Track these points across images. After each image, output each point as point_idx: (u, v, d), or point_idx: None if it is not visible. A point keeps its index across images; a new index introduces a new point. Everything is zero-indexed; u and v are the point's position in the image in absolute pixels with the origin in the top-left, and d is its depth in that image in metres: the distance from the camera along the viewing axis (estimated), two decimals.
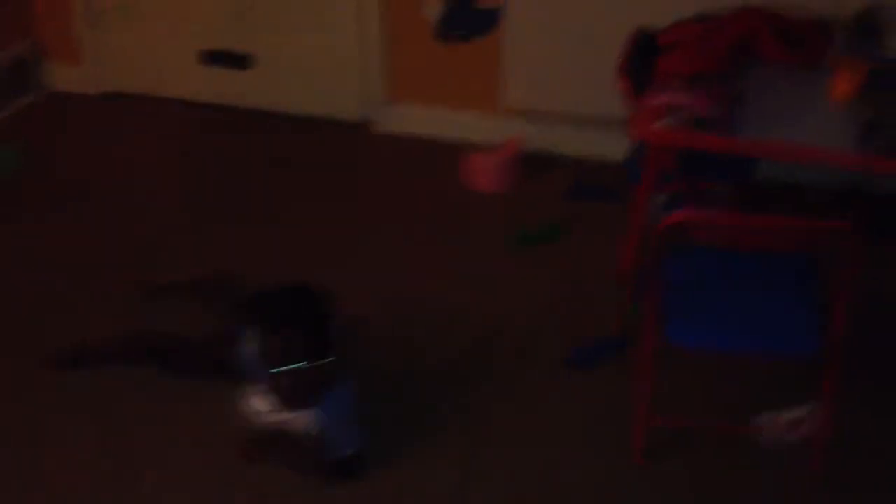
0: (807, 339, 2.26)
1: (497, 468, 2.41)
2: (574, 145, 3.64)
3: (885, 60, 2.67)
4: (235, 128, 3.93)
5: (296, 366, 2.19)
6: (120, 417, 2.55)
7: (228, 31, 3.90)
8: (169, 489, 2.37)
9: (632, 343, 2.65)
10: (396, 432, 2.51)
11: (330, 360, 2.23)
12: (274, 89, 3.96)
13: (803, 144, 2.45)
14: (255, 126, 3.92)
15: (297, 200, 3.46)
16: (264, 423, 2.35)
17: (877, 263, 2.71)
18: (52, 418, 2.55)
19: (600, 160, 3.53)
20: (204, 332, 2.59)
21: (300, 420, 2.31)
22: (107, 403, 2.59)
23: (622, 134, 3.29)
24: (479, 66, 3.65)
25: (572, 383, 2.67)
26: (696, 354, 2.44)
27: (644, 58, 2.79)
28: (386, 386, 2.60)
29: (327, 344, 2.24)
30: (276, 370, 2.21)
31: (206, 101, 4.03)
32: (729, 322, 2.30)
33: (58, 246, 3.23)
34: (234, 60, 3.94)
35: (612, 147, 3.42)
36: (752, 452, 2.45)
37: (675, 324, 2.29)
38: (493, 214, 3.40)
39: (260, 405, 2.36)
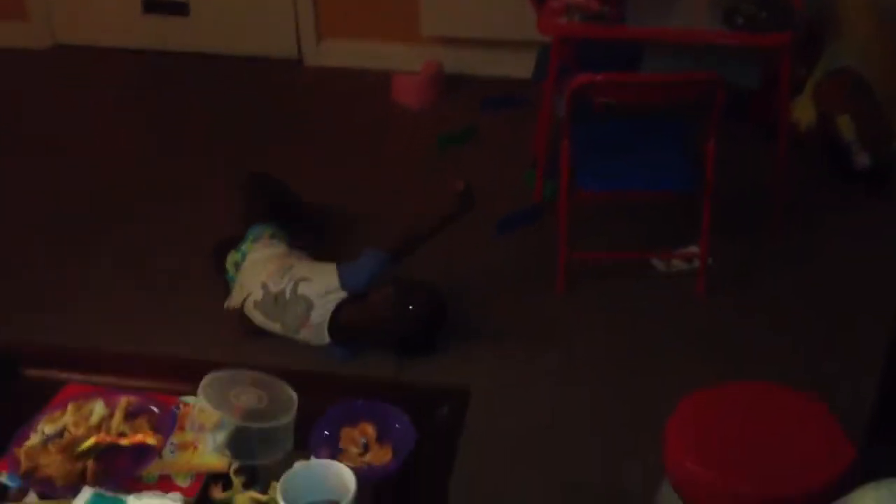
0: (686, 179, 2.84)
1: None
2: (486, 66, 4.17)
3: None
4: (179, 71, 4.32)
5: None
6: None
7: None
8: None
9: (548, 210, 3.20)
10: None
11: None
12: (213, 33, 4.36)
13: (679, 28, 3.02)
14: (197, 68, 4.32)
15: (242, 130, 3.88)
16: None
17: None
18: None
19: (510, 77, 4.07)
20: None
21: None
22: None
23: (525, 53, 3.84)
24: (398, 1, 4.15)
25: (503, 242, 3.21)
26: (603, 204, 3.00)
27: None
28: None
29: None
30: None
31: (149, 48, 4.42)
32: (625, 169, 2.87)
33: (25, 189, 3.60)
34: (174, 7, 4.34)
35: (520, 66, 3.97)
36: (651, 279, 3.03)
37: (583, 174, 2.84)
38: (418, 125, 3.91)
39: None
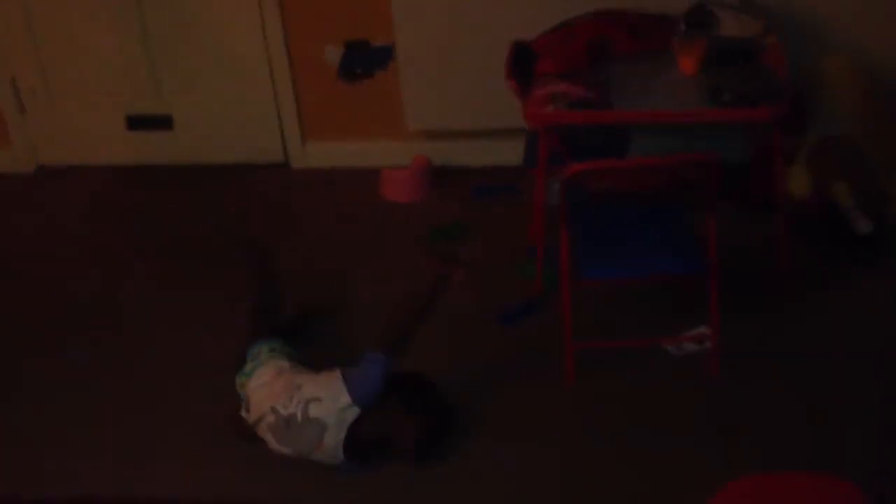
0: (688, 261, 2.79)
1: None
2: (474, 156, 4.15)
3: (717, 39, 3.27)
4: (166, 183, 4.28)
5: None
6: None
7: (148, 96, 4.28)
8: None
9: (549, 299, 3.13)
10: None
11: None
12: (197, 144, 4.34)
13: (666, 109, 3.00)
14: (184, 179, 4.29)
15: (232, 235, 3.83)
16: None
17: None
18: None
19: (498, 166, 4.05)
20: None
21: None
22: None
23: (512, 141, 3.83)
24: (381, 98, 4.14)
25: (507, 334, 3.13)
26: (606, 290, 2.93)
27: (523, 64, 3.32)
28: None
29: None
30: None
31: (135, 164, 4.40)
32: (625, 256, 2.82)
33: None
34: (157, 122, 4.33)
35: (506, 153, 3.96)
36: (663, 362, 2.95)
37: (584, 263, 2.79)
38: (407, 219, 3.87)
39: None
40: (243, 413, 2.74)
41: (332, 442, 2.59)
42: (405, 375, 2.70)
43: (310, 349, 3.01)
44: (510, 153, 3.94)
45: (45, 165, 4.47)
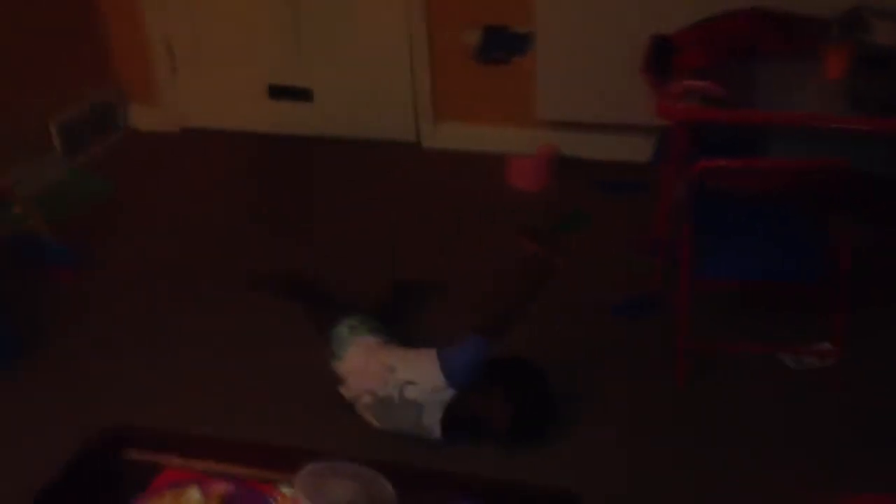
0: (815, 269, 2.68)
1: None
2: (602, 150, 4.10)
3: (869, 45, 3.12)
4: (302, 154, 4.42)
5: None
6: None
7: (291, 67, 4.42)
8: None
9: (667, 297, 3.07)
10: None
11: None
12: (334, 118, 4.46)
13: (808, 112, 2.89)
14: (319, 151, 4.42)
15: (359, 210, 3.91)
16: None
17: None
18: None
19: (625, 161, 3.99)
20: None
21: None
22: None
23: (643, 138, 3.77)
24: (514, 85, 4.15)
25: (619, 328, 3.09)
26: (727, 293, 2.85)
27: (661, 57, 3.26)
28: None
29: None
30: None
31: (273, 133, 4.55)
32: (750, 255, 2.73)
33: (156, 256, 3.70)
34: (298, 94, 4.46)
35: (635, 150, 3.90)
36: (780, 374, 2.86)
37: (704, 261, 2.72)
38: (529, 206, 3.86)
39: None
40: (341, 390, 2.79)
41: (430, 421, 2.62)
42: (511, 359, 2.70)
43: (410, 326, 3.07)
44: (640, 150, 3.87)
45: (190, 127, 4.68)
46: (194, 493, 1.59)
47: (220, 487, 1.60)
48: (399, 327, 2.99)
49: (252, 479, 1.65)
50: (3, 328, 3.07)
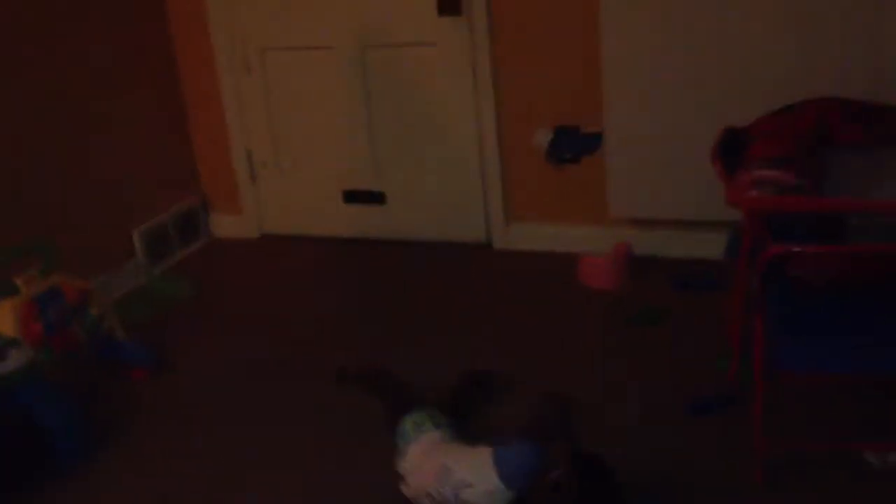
0: None
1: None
2: (676, 247, 4.04)
3: None
4: (375, 256, 4.47)
5: None
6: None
7: (365, 172, 4.52)
8: None
9: (745, 395, 2.94)
10: None
11: None
12: (406, 221, 4.52)
13: (885, 200, 2.79)
14: (391, 254, 4.46)
15: (435, 312, 3.90)
16: None
17: None
18: None
19: (700, 258, 3.92)
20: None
21: None
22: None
23: (717, 234, 3.71)
24: (586, 184, 4.15)
25: (695, 427, 2.97)
26: (806, 387, 2.72)
27: (733, 148, 3.22)
28: None
29: None
30: None
31: (348, 237, 4.62)
32: (832, 349, 2.60)
33: (234, 357, 3.74)
34: (372, 197, 4.54)
35: (711, 247, 3.83)
36: (864, 474, 2.68)
37: (783, 352, 2.60)
38: (605, 307, 3.79)
39: None
40: (403, 489, 2.72)
41: None
42: (582, 455, 2.60)
43: (479, 419, 3.01)
44: (715, 246, 3.81)
45: (269, 233, 4.79)
46: None
47: None
48: (466, 421, 2.92)
49: None
50: (76, 426, 3.10)
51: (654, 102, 3.86)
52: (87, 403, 3.35)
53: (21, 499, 2.94)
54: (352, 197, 4.59)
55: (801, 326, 2.70)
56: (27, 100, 3.84)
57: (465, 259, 4.35)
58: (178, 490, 2.93)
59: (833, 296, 2.82)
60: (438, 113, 4.31)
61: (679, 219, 4.00)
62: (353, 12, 4.26)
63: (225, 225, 4.84)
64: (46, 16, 3.91)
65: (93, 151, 4.16)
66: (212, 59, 4.54)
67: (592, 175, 4.11)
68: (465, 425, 2.86)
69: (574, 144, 4.14)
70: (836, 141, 3.16)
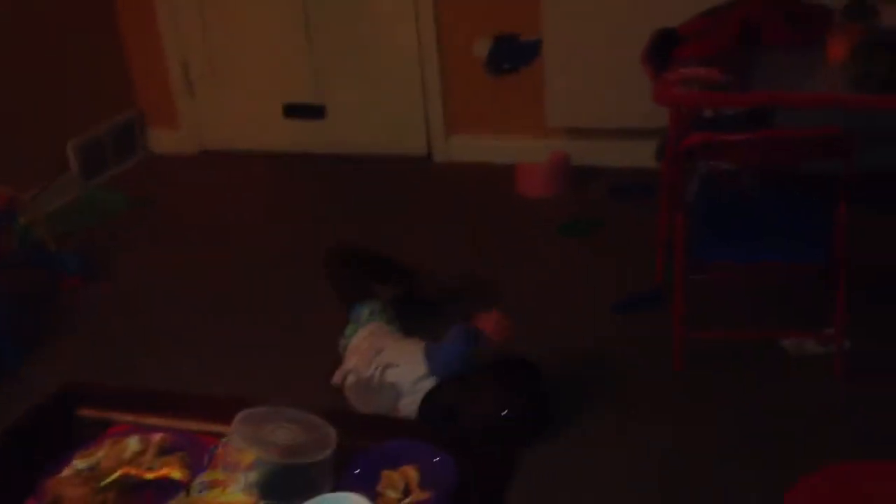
0: (817, 251, 2.58)
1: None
2: (613, 156, 4.05)
3: (874, 28, 3.04)
4: (317, 171, 4.43)
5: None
6: None
7: (305, 86, 4.46)
8: None
9: (669, 293, 2.98)
10: None
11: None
12: (347, 135, 4.47)
13: (807, 93, 2.81)
14: (333, 168, 4.42)
15: (376, 223, 3.86)
16: None
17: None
18: None
19: (637, 167, 3.93)
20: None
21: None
22: None
23: (654, 142, 3.71)
24: (524, 95, 4.13)
25: (621, 322, 3.01)
26: (728, 285, 2.76)
27: (664, 49, 3.21)
28: None
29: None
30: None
31: (288, 151, 4.57)
32: (748, 238, 2.64)
33: (166, 266, 3.71)
34: (312, 111, 4.49)
35: (647, 154, 3.84)
36: (780, 362, 2.74)
37: (703, 244, 2.64)
38: (542, 213, 3.80)
39: None
40: (335, 374, 2.74)
41: (407, 409, 2.56)
42: (505, 356, 2.64)
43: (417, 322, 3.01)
44: (652, 154, 3.81)
45: (208, 150, 4.73)
46: (132, 441, 1.56)
47: (158, 437, 1.56)
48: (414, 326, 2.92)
49: (202, 433, 1.61)
50: (5, 334, 3.08)
51: (590, 10, 3.84)
52: (18, 311, 3.31)
53: None
54: (292, 111, 4.53)
55: (725, 224, 2.74)
56: None
57: (407, 172, 4.33)
58: None
59: (753, 192, 2.86)
60: (378, 25, 4.25)
61: (617, 127, 4.01)
62: None
63: (163, 140, 4.76)
64: None
65: (24, 62, 4.06)
66: None
67: (530, 85, 4.09)
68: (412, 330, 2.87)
69: (512, 54, 4.11)
70: (763, 41, 3.17)
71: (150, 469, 1.50)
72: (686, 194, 3.17)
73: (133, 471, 1.49)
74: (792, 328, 2.83)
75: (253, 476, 1.47)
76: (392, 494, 1.45)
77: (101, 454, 1.54)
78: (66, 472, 1.53)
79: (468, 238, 3.68)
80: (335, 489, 1.43)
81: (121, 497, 1.46)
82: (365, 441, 1.51)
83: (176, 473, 1.48)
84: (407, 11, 4.16)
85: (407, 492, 1.45)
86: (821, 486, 1.76)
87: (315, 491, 1.43)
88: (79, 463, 1.54)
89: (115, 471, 1.50)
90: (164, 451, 1.55)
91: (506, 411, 2.49)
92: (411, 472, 1.47)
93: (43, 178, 4.14)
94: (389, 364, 2.59)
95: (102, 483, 1.47)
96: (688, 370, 2.75)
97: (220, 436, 1.59)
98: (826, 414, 2.55)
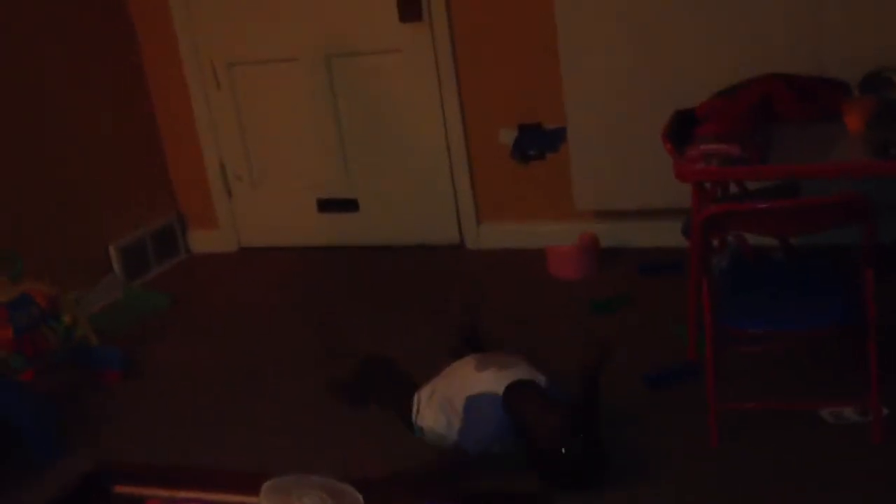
0: (845, 314, 2.57)
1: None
2: (641, 237, 4.09)
3: (889, 99, 3.09)
4: (353, 263, 4.52)
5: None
6: None
7: (337, 181, 4.58)
8: None
9: (702, 367, 2.98)
10: None
11: None
12: (380, 226, 4.58)
13: (825, 163, 2.85)
14: (368, 260, 4.51)
15: (414, 310, 3.92)
16: None
17: None
18: None
19: (666, 246, 3.97)
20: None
21: None
22: None
23: (680, 221, 3.75)
24: (551, 180, 4.21)
25: (655, 397, 3.01)
26: (762, 358, 2.75)
27: (684, 129, 3.29)
28: None
29: None
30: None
31: (324, 245, 4.68)
32: (778, 307, 2.64)
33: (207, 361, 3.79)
34: (345, 205, 4.61)
35: (674, 234, 3.88)
36: (818, 430, 2.71)
37: (732, 313, 2.65)
38: (574, 293, 3.84)
39: None
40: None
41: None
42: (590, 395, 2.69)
43: None
44: (679, 234, 3.85)
45: (246, 247, 4.85)
46: None
47: None
48: None
49: None
50: (48, 426, 3.14)
51: (612, 95, 3.94)
52: (61, 405, 3.38)
53: None
54: (325, 205, 4.66)
55: (752, 292, 2.75)
56: (4, 111, 3.93)
57: (440, 260, 4.40)
58: None
59: (785, 261, 2.87)
60: (406, 118, 4.39)
61: (643, 208, 4.06)
62: (315, 23, 4.36)
63: (203, 240, 4.90)
64: (26, 41, 4.03)
65: (71, 168, 4.25)
66: (181, 77, 4.64)
67: (557, 171, 4.18)
68: None
69: (538, 141, 4.21)
70: (780, 117, 3.23)
71: None
72: (715, 267, 3.21)
73: None
74: (829, 395, 2.80)
75: None
76: None
77: None
78: None
79: (502, 318, 3.72)
80: None
81: None
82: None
83: None
84: (433, 104, 4.30)
85: None
86: None
87: None
88: None
89: None
90: None
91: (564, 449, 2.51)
92: None
93: (87, 279, 4.28)
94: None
95: None
96: (724, 444, 2.73)
97: None
98: (868, 483, 2.50)
